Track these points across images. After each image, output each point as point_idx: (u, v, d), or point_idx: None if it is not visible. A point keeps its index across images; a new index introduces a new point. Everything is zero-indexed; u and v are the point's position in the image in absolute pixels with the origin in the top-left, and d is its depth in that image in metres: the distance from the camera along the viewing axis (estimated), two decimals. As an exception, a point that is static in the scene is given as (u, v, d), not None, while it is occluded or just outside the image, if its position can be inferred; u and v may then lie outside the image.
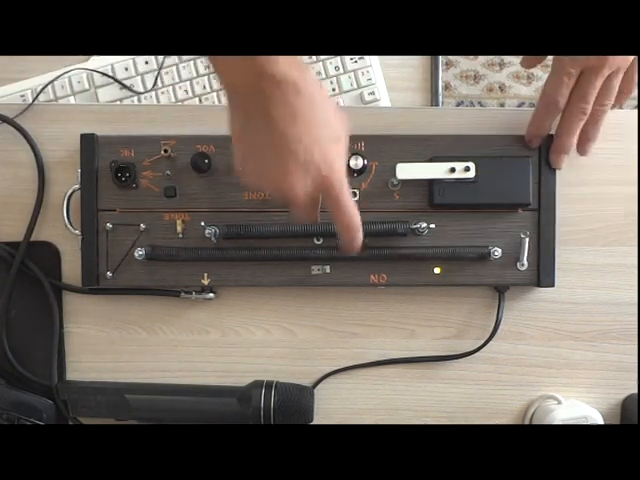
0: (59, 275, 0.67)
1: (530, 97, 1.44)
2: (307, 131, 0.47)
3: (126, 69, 0.85)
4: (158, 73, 0.85)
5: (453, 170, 0.61)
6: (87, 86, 0.85)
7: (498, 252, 0.63)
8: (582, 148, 0.63)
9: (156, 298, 0.67)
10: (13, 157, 0.66)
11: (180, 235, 0.64)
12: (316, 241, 0.63)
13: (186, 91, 0.86)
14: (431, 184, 0.63)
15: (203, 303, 0.67)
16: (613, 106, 0.62)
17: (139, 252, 0.62)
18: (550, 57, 0.61)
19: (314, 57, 0.86)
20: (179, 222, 0.64)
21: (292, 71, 0.46)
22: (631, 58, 0.58)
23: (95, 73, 0.85)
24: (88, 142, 0.64)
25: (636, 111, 0.66)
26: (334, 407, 0.68)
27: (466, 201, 0.63)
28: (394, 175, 0.62)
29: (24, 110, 0.66)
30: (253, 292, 0.67)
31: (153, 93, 0.85)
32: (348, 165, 0.63)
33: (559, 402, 0.66)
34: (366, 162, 0.63)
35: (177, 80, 0.86)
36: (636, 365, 0.67)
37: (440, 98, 0.90)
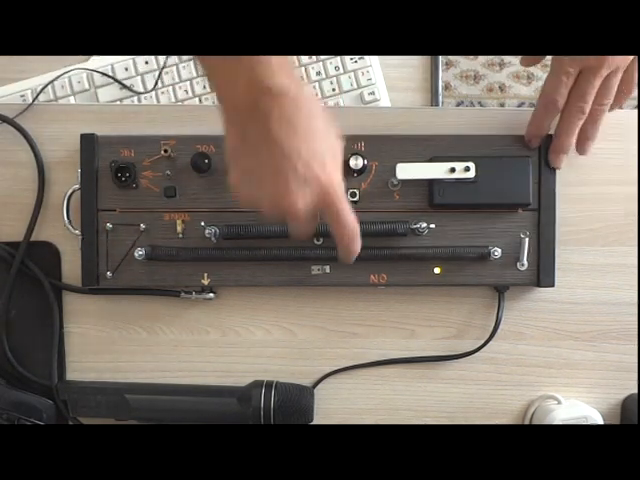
0: (59, 275, 0.67)
1: (530, 97, 1.44)
2: (306, 145, 0.47)
3: (126, 69, 0.85)
4: (159, 73, 0.85)
5: (453, 170, 0.61)
6: (87, 86, 0.85)
7: (498, 252, 0.63)
8: (581, 147, 0.63)
9: (156, 298, 0.67)
10: (13, 157, 0.66)
11: (180, 235, 0.64)
12: (316, 241, 0.63)
13: (186, 91, 0.86)
14: (431, 184, 0.63)
15: (203, 303, 0.67)
16: (613, 106, 0.62)
17: (139, 252, 0.62)
18: (549, 57, 0.61)
19: (314, 57, 0.86)
20: (179, 222, 0.64)
21: (291, 85, 0.46)
22: (630, 58, 0.58)
23: (95, 73, 0.85)
24: (88, 142, 0.64)
25: (636, 111, 0.66)
26: (334, 407, 0.68)
27: (466, 201, 0.63)
28: (394, 175, 0.62)
29: (24, 110, 0.66)
30: (253, 292, 0.67)
31: (153, 93, 0.85)
32: (348, 165, 0.63)
33: (559, 402, 0.66)
34: (366, 162, 0.63)
35: (177, 80, 0.86)
36: (636, 365, 0.67)
37: (440, 98, 0.90)
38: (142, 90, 0.85)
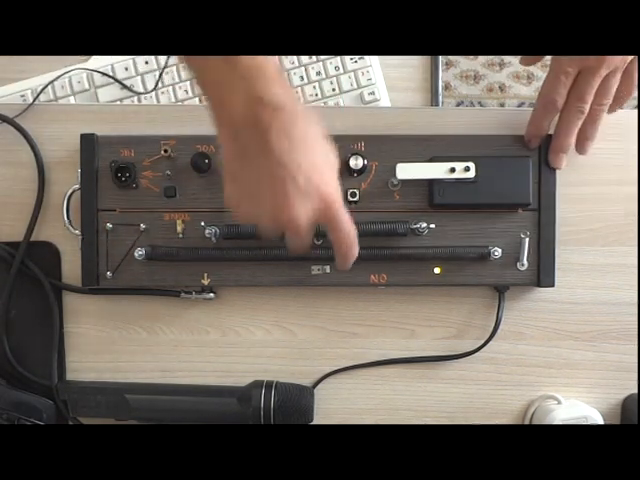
0: (59, 275, 0.67)
1: (530, 97, 1.44)
2: (305, 157, 0.47)
3: (126, 69, 0.85)
4: (160, 73, 0.85)
5: (453, 170, 0.61)
6: (87, 86, 0.85)
7: (498, 252, 0.63)
8: (581, 147, 0.63)
9: (156, 298, 0.67)
10: (13, 157, 0.66)
11: (180, 235, 0.64)
12: (316, 241, 0.63)
13: (186, 91, 0.86)
14: (431, 184, 0.63)
15: (203, 303, 0.67)
16: (614, 107, 0.62)
17: (139, 252, 0.62)
18: (549, 57, 0.61)
19: (314, 57, 0.86)
20: (179, 222, 0.64)
21: (287, 98, 0.46)
22: (629, 58, 0.58)
23: (95, 73, 0.85)
24: (88, 142, 0.64)
25: (636, 111, 0.66)
26: (334, 407, 0.68)
27: (466, 201, 0.63)
28: (394, 175, 0.62)
29: (24, 110, 0.66)
30: (253, 292, 0.67)
31: (153, 93, 0.85)
32: (348, 165, 0.63)
33: (559, 402, 0.66)
34: (366, 162, 0.63)
35: (177, 80, 0.86)
36: (636, 365, 0.67)
37: (440, 98, 0.90)
38: (142, 90, 0.85)
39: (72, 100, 0.85)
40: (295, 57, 0.86)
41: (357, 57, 0.87)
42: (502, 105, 1.45)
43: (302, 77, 0.86)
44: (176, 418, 0.65)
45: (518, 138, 0.64)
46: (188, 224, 0.64)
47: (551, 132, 0.63)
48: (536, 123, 0.63)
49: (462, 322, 0.68)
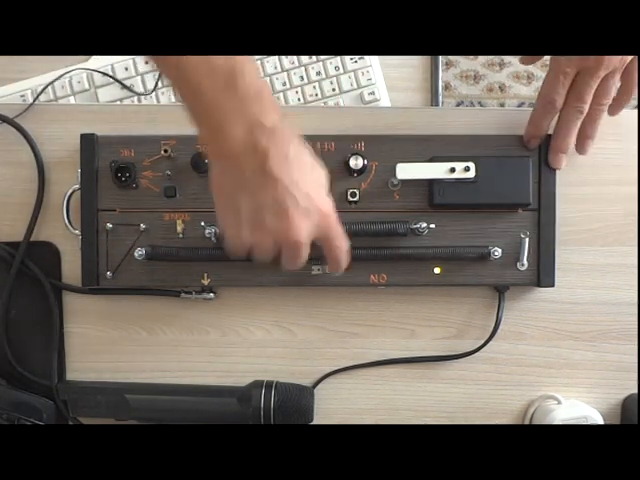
0: (59, 275, 0.67)
1: (530, 97, 1.44)
2: (300, 177, 0.49)
3: (126, 69, 0.85)
4: (160, 74, 0.84)
5: (453, 170, 0.61)
6: (87, 86, 0.85)
7: (498, 252, 0.63)
8: (581, 147, 0.63)
9: (156, 298, 0.67)
10: (13, 157, 0.66)
11: (180, 235, 0.64)
12: (316, 241, 0.63)
13: (186, 91, 0.85)
14: (431, 184, 0.63)
15: (203, 303, 0.67)
16: (616, 108, 0.62)
17: (139, 252, 0.62)
18: (548, 57, 0.61)
19: (314, 57, 0.86)
20: (179, 222, 0.64)
21: (280, 121, 0.48)
22: (628, 59, 0.58)
23: (95, 73, 0.85)
24: (88, 142, 0.64)
25: (636, 111, 0.66)
26: (334, 407, 0.68)
27: (466, 201, 0.63)
28: (394, 175, 0.62)
29: (24, 110, 0.66)
30: (253, 292, 0.67)
31: (153, 93, 0.85)
32: (348, 165, 0.63)
33: (559, 402, 0.66)
34: (366, 162, 0.63)
35: (177, 80, 0.86)
36: (636, 365, 0.67)
37: (440, 98, 0.90)
38: (142, 90, 0.85)
39: (72, 100, 0.85)
40: (295, 57, 0.86)
41: (357, 57, 0.87)
42: (502, 105, 1.45)
43: (302, 77, 0.86)
44: (176, 418, 0.65)
45: (518, 138, 0.64)
46: (188, 224, 0.64)
47: (551, 132, 0.63)
48: (535, 123, 0.63)
49: (462, 322, 0.68)
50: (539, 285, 0.64)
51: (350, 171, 0.63)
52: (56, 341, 0.66)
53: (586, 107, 0.60)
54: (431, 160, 0.63)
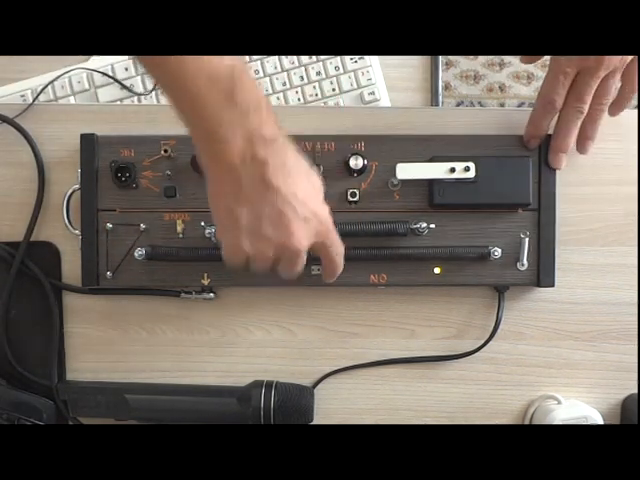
0: (59, 275, 0.67)
1: (530, 97, 1.44)
2: (299, 186, 0.49)
3: (126, 69, 0.85)
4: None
5: (453, 170, 0.61)
6: (87, 86, 0.85)
7: (498, 252, 0.63)
8: (582, 147, 0.63)
9: (156, 298, 0.67)
10: (13, 157, 0.66)
11: (180, 235, 0.64)
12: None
13: (186, 91, 0.85)
14: (431, 184, 0.63)
15: (203, 303, 0.67)
16: (617, 108, 0.62)
17: (139, 252, 0.62)
18: (548, 57, 0.61)
19: (314, 57, 0.86)
20: (179, 222, 0.64)
21: (277, 130, 0.48)
22: (628, 59, 0.58)
23: (95, 73, 0.85)
24: (88, 142, 0.64)
25: (636, 111, 0.66)
26: (334, 407, 0.68)
27: (466, 201, 0.63)
28: (394, 175, 0.62)
29: (24, 110, 0.66)
30: (253, 292, 0.67)
31: (153, 93, 0.85)
32: (348, 165, 0.63)
33: (559, 402, 0.66)
34: (366, 162, 0.63)
35: (177, 80, 0.85)
36: (636, 365, 0.67)
37: (440, 98, 0.90)
38: (142, 90, 0.85)
39: (72, 100, 0.84)
40: (295, 57, 0.86)
41: (357, 57, 0.87)
42: (502, 105, 1.45)
43: (302, 77, 0.86)
44: (176, 418, 0.65)
45: (518, 138, 0.64)
46: (188, 224, 0.64)
47: (551, 132, 0.63)
48: (535, 123, 0.63)
49: (462, 322, 0.68)
50: (539, 285, 0.64)
51: (350, 171, 0.63)
52: (56, 341, 0.66)
53: (586, 107, 0.60)
54: (431, 160, 0.63)
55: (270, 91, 0.86)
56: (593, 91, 0.59)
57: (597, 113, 0.61)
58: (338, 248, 0.54)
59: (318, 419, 0.67)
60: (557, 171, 0.64)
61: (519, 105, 1.45)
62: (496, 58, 1.46)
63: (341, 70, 0.87)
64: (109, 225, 0.64)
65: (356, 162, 0.63)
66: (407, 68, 0.90)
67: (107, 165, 0.64)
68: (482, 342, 0.67)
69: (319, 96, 0.86)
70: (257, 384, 0.65)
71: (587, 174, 0.67)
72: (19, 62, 0.86)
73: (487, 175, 0.62)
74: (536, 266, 0.64)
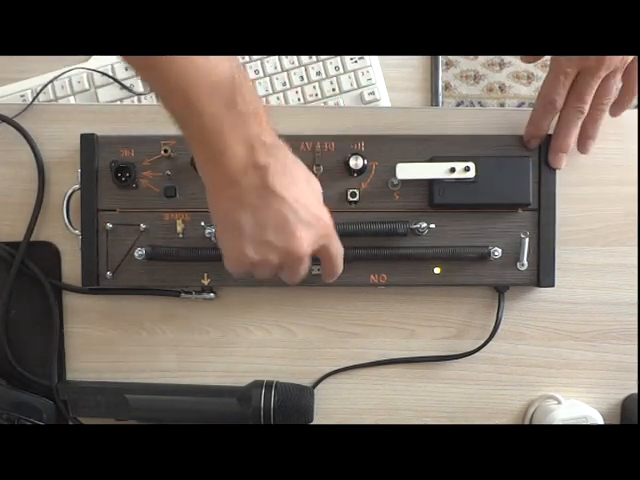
0: (59, 275, 0.67)
1: (530, 97, 1.44)
2: (300, 191, 0.49)
3: (126, 69, 0.85)
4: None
5: (453, 170, 0.61)
6: (87, 86, 0.85)
7: (498, 252, 0.63)
8: (583, 146, 0.63)
9: (156, 298, 0.67)
10: (13, 157, 0.66)
11: (180, 235, 0.64)
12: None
13: (186, 91, 0.85)
14: (431, 184, 0.63)
15: (203, 303, 0.67)
16: (618, 110, 0.62)
17: (139, 252, 0.62)
18: (548, 57, 0.61)
19: (314, 57, 0.86)
20: (179, 222, 0.64)
21: (275, 137, 0.48)
22: (629, 59, 0.58)
23: (95, 73, 0.85)
24: (88, 142, 0.64)
25: (636, 111, 0.66)
26: (334, 407, 0.68)
27: (466, 201, 0.63)
28: (394, 175, 0.62)
29: (24, 110, 0.66)
30: (253, 292, 0.67)
31: (153, 93, 0.85)
32: (348, 165, 0.63)
33: (559, 402, 0.66)
34: (366, 162, 0.63)
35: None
36: (636, 365, 0.67)
37: (440, 98, 0.90)
38: (142, 90, 0.85)
39: (72, 100, 0.84)
40: (295, 57, 0.86)
41: (357, 57, 0.87)
42: (502, 105, 1.45)
43: (302, 77, 0.86)
44: (176, 418, 0.65)
45: (518, 138, 0.64)
46: (188, 224, 0.64)
47: (551, 132, 0.63)
48: (535, 123, 0.63)
49: (462, 322, 0.68)
50: (539, 285, 0.64)
51: (350, 171, 0.63)
52: (56, 341, 0.66)
53: (586, 107, 0.60)
54: (431, 160, 0.63)
55: (270, 91, 0.86)
56: (594, 91, 0.59)
57: (598, 113, 0.61)
58: (338, 249, 0.54)
59: (318, 419, 0.67)
60: (557, 171, 0.64)
61: (519, 105, 1.45)
62: (496, 58, 1.46)
63: (341, 70, 0.87)
64: (109, 225, 0.64)
65: (356, 162, 0.63)
66: (407, 68, 0.90)
67: (107, 165, 0.64)
68: (482, 342, 0.67)
69: (319, 96, 0.86)
70: (257, 384, 0.65)
71: (587, 174, 0.67)
72: (19, 62, 0.86)
73: (487, 175, 0.62)
74: (536, 266, 0.64)
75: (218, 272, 0.64)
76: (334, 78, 0.87)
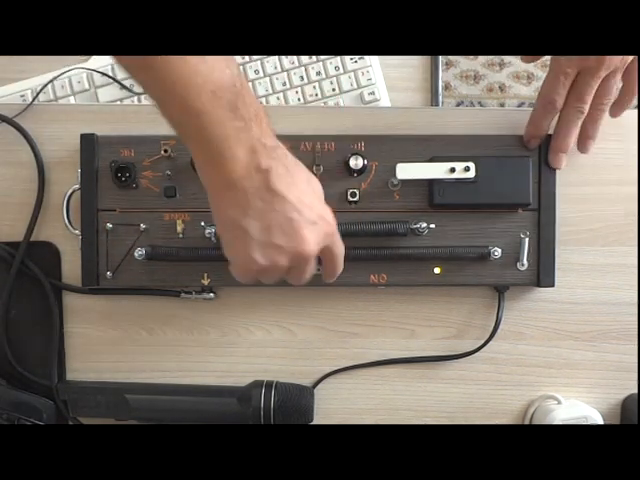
0: (59, 275, 0.67)
1: (530, 97, 1.44)
2: (302, 191, 0.49)
3: (126, 69, 0.85)
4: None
5: (453, 170, 0.61)
6: (87, 86, 0.85)
7: (498, 252, 0.63)
8: (583, 146, 0.63)
9: (156, 298, 0.67)
10: (13, 157, 0.66)
11: (180, 235, 0.64)
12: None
13: (186, 91, 0.85)
14: (431, 184, 0.63)
15: (203, 303, 0.67)
16: (618, 110, 0.62)
17: (139, 252, 0.62)
18: (548, 57, 0.61)
19: (314, 57, 0.86)
20: (179, 222, 0.64)
21: (275, 139, 0.48)
22: (629, 59, 0.58)
23: (95, 73, 0.85)
24: (88, 142, 0.64)
25: (636, 111, 0.66)
26: (334, 407, 0.68)
27: (466, 201, 0.63)
28: (394, 175, 0.62)
29: (24, 110, 0.66)
30: (253, 292, 0.67)
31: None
32: (348, 165, 0.63)
33: (559, 402, 0.66)
34: (366, 162, 0.63)
35: (177, 80, 0.85)
36: (636, 365, 0.67)
37: (440, 98, 0.90)
38: (142, 90, 0.85)
39: (72, 100, 0.84)
40: (295, 57, 0.86)
41: (357, 57, 0.87)
42: (502, 105, 1.45)
43: (302, 77, 0.86)
44: (176, 418, 0.65)
45: (518, 138, 0.64)
46: (188, 224, 0.64)
47: (551, 132, 0.63)
48: (535, 123, 0.63)
49: (462, 322, 0.68)
50: (539, 285, 0.64)
51: (350, 171, 0.63)
52: (56, 341, 0.66)
53: (586, 107, 0.60)
54: (431, 160, 0.63)
55: (270, 91, 0.86)
56: (594, 91, 0.59)
57: (598, 113, 0.61)
58: (341, 248, 0.54)
59: (318, 419, 0.67)
60: (557, 171, 0.64)
61: (519, 105, 1.45)
62: (496, 58, 1.46)
63: (341, 70, 0.87)
64: (109, 225, 0.64)
65: (356, 162, 0.63)
66: (407, 68, 0.90)
67: (107, 165, 0.64)
68: (482, 342, 0.67)
69: (319, 96, 0.86)
70: (257, 384, 0.65)
71: (587, 174, 0.67)
72: (19, 62, 0.86)
73: (487, 175, 0.62)
74: (536, 266, 0.64)
75: (218, 272, 0.64)
76: (334, 78, 0.87)
